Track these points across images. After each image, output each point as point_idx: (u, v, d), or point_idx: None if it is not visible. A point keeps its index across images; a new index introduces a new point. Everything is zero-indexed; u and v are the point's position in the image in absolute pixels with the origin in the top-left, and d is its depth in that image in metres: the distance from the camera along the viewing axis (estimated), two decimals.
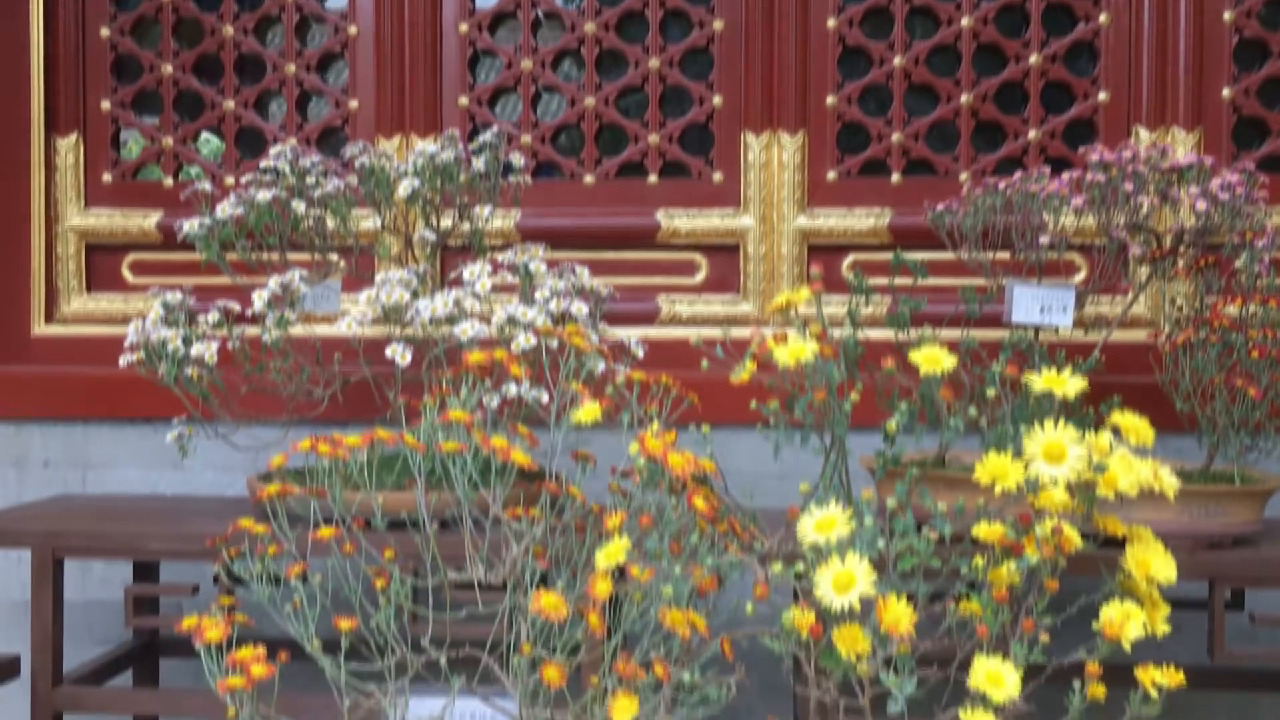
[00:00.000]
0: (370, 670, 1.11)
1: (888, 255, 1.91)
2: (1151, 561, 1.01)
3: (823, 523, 0.93)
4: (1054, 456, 0.98)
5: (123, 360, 2.07)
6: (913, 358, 1.07)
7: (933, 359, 1.05)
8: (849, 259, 2.46)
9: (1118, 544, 1.16)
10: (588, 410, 1.05)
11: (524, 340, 1.90)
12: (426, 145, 2.11)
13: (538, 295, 2.01)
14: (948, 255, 2.06)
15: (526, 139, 2.52)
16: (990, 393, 1.14)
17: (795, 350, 1.07)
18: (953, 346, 1.60)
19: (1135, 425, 1.01)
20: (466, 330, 1.95)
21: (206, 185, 2.15)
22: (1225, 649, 1.80)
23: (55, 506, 2.27)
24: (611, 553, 0.97)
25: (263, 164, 2.17)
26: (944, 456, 1.86)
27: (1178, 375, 1.94)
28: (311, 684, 1.54)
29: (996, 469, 1.00)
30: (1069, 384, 1.02)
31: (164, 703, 2.18)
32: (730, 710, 2.35)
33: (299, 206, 2.13)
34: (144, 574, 2.28)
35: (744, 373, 1.18)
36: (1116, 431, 1.01)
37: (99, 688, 2.13)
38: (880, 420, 1.32)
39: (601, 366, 1.48)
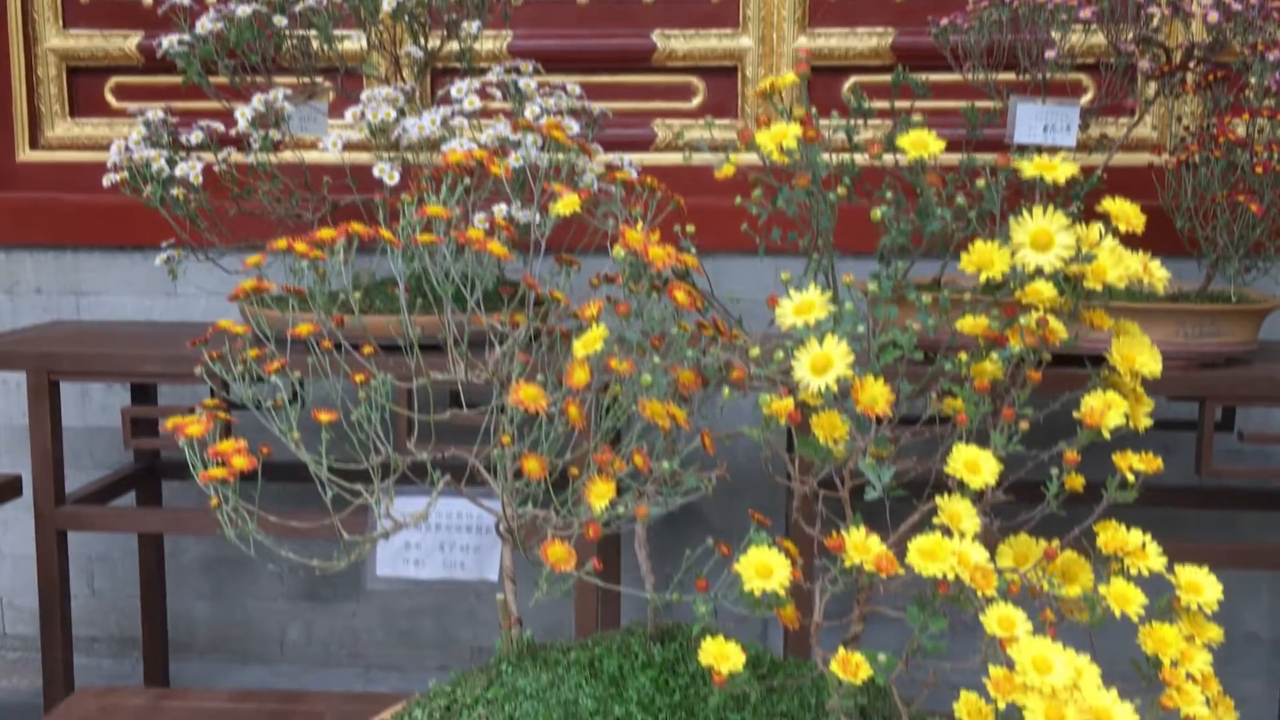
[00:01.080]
0: (355, 469, 1.12)
1: (890, 78, 1.85)
2: (1137, 356, 1.00)
3: (801, 306, 0.91)
4: (1041, 244, 0.95)
5: (106, 180, 2.03)
6: (900, 142, 1.03)
7: (919, 143, 1.02)
8: (850, 81, 2.39)
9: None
10: (566, 202, 1.03)
11: (513, 159, 1.87)
12: None
13: (528, 113, 1.96)
14: (952, 77, 2.00)
15: None
16: (980, 184, 1.11)
17: (778, 133, 1.04)
18: (952, 170, 1.56)
19: (1125, 210, 0.99)
20: (455, 150, 1.90)
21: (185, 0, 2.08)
22: (1212, 465, 1.82)
23: (49, 331, 2.28)
24: (589, 341, 0.96)
25: None
26: (939, 280, 1.84)
27: (1180, 193, 1.91)
28: (306, 506, 1.57)
29: (982, 256, 0.98)
30: (1059, 169, 0.99)
31: (165, 521, 2.22)
32: (725, 533, 2.40)
33: (281, 22, 2.06)
34: (142, 399, 2.30)
35: (728, 166, 1.15)
36: (1106, 220, 0.99)
37: (102, 507, 2.17)
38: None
39: (583, 164, 1.45)
